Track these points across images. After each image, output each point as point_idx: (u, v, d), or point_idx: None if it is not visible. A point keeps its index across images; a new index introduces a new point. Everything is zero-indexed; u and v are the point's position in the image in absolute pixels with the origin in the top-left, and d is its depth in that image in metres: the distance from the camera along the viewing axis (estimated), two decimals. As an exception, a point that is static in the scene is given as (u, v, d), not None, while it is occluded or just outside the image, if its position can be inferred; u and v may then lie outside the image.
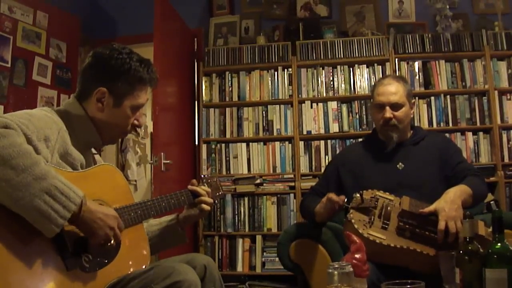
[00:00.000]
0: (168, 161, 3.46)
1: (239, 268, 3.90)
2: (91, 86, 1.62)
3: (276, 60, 4.09)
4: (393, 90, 2.33)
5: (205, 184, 1.93)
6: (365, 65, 4.02)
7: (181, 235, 1.88)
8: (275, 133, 4.05)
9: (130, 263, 1.56)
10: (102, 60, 1.63)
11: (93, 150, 1.74)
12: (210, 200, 1.85)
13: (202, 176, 1.99)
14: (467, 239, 1.56)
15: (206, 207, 1.82)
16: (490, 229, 1.63)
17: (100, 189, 1.55)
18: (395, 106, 2.32)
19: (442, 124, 3.88)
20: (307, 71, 4.07)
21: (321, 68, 4.05)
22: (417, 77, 3.95)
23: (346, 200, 2.10)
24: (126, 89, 1.63)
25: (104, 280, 1.45)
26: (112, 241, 1.47)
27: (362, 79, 4.01)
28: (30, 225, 1.29)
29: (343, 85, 4.02)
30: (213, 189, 1.94)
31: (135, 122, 1.70)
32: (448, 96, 3.90)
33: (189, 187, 1.84)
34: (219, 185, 2.01)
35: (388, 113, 2.30)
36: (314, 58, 4.04)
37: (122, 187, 1.65)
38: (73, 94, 1.67)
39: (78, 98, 1.65)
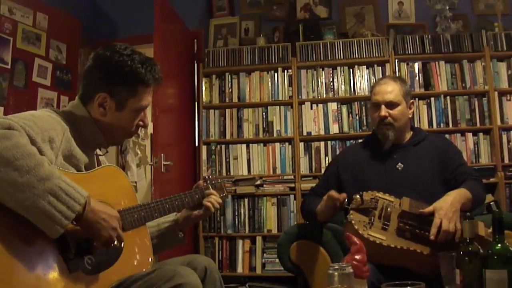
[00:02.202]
0: (168, 162, 3.46)
1: (239, 269, 3.90)
2: (92, 90, 1.61)
3: (276, 61, 4.10)
4: (388, 89, 2.35)
5: (209, 185, 1.93)
6: (365, 66, 4.02)
7: (179, 237, 1.88)
8: (275, 134, 4.05)
9: (132, 265, 1.56)
10: (103, 64, 1.61)
11: (99, 151, 1.74)
12: (220, 200, 1.87)
13: (206, 177, 1.98)
14: (467, 240, 1.56)
15: (209, 204, 1.84)
16: (490, 230, 1.63)
17: (103, 190, 1.55)
18: (391, 105, 2.34)
19: (442, 125, 3.88)
20: (307, 72, 4.07)
21: (321, 69, 4.05)
22: (417, 78, 3.95)
23: (346, 200, 2.10)
24: (128, 92, 1.61)
25: (106, 282, 1.45)
26: (116, 242, 1.47)
27: (362, 80, 4.02)
28: (32, 227, 1.29)
29: (343, 86, 4.03)
30: (217, 190, 1.94)
31: (140, 123, 1.69)
32: (448, 97, 3.90)
33: (204, 201, 1.85)
34: (223, 186, 2.02)
35: (383, 111, 2.33)
36: (314, 59, 4.05)
37: (125, 188, 1.65)
38: (78, 94, 1.66)
39: (82, 100, 1.64)
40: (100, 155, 1.75)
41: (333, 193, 2.12)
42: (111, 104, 1.61)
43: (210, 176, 2.01)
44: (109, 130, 1.65)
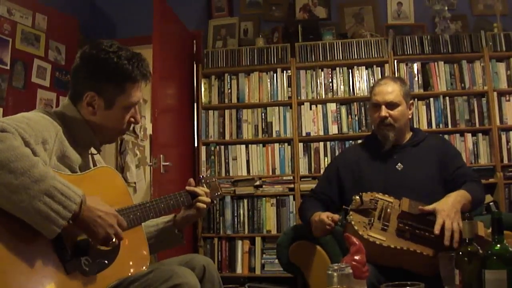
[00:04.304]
0: (167, 163, 3.46)
1: (239, 270, 3.90)
2: (80, 90, 1.60)
3: (275, 62, 4.10)
4: (389, 90, 2.35)
5: (203, 184, 1.93)
6: (364, 67, 4.02)
7: (178, 237, 1.88)
8: (274, 135, 4.05)
9: (130, 265, 1.56)
10: (89, 62, 1.60)
11: (93, 150, 1.73)
12: (208, 200, 1.84)
13: (201, 176, 1.98)
14: (467, 241, 1.56)
15: (202, 205, 1.82)
16: (489, 230, 1.63)
17: (98, 191, 1.54)
18: (391, 105, 2.33)
19: (441, 125, 3.88)
20: (306, 73, 4.07)
21: (320, 70, 4.05)
22: (416, 78, 3.95)
23: (340, 218, 2.12)
24: (115, 89, 1.60)
25: (103, 283, 1.45)
26: (114, 239, 1.46)
27: (361, 80, 4.02)
28: (29, 229, 1.29)
29: (342, 87, 4.03)
30: (212, 190, 1.94)
31: (131, 119, 1.68)
32: (447, 98, 3.90)
33: (187, 187, 1.84)
34: (218, 185, 2.01)
35: (384, 112, 2.32)
36: (313, 59, 4.05)
37: (120, 189, 1.65)
38: (68, 95, 1.66)
39: (71, 100, 1.63)
40: (94, 154, 1.74)
41: (324, 218, 2.12)
42: (100, 103, 1.60)
43: (205, 176, 2.01)
44: (100, 129, 1.64)
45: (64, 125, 1.56)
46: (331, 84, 4.04)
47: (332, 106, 4.00)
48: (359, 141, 2.99)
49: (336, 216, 2.11)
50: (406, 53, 3.95)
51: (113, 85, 1.60)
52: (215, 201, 2.08)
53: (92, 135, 1.64)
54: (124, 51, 1.62)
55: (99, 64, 1.58)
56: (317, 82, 4.05)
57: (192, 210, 1.84)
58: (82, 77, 1.61)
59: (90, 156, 1.71)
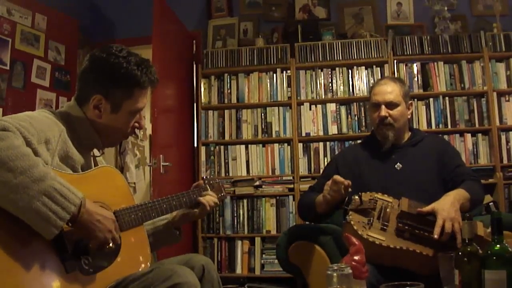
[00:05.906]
0: (167, 163, 3.46)
1: (238, 270, 3.90)
2: (88, 92, 1.61)
3: (275, 62, 4.10)
4: (388, 90, 2.36)
5: (207, 185, 1.93)
6: (364, 67, 4.02)
7: (175, 235, 1.88)
8: (274, 135, 4.05)
9: (130, 265, 1.56)
10: (98, 65, 1.61)
11: (96, 152, 1.74)
12: (208, 209, 1.87)
13: (204, 177, 1.99)
14: (466, 241, 1.56)
15: (206, 209, 1.85)
16: (489, 230, 1.63)
17: (100, 191, 1.55)
18: (391, 105, 2.34)
19: (441, 125, 3.88)
20: (305, 73, 4.08)
21: (319, 70, 4.05)
22: (416, 78, 3.95)
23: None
24: (123, 94, 1.61)
25: (103, 283, 1.45)
26: (111, 244, 1.47)
27: (361, 81, 4.02)
28: (29, 227, 1.29)
29: (341, 87, 4.03)
30: (216, 191, 1.95)
31: (136, 124, 1.69)
32: (446, 98, 3.90)
33: (199, 199, 1.85)
34: (221, 186, 2.02)
35: (383, 111, 2.33)
36: (313, 60, 4.05)
37: (122, 189, 1.65)
38: (74, 96, 1.66)
39: (77, 101, 1.64)
40: (97, 156, 1.75)
41: (338, 177, 2.08)
42: (106, 106, 1.61)
43: (208, 177, 2.01)
44: (105, 132, 1.65)
45: (68, 126, 1.56)
46: (330, 85, 4.04)
47: (331, 106, 4.00)
48: (359, 141, 2.98)
49: (349, 181, 2.05)
50: (405, 53, 3.96)
51: (121, 89, 1.61)
52: (219, 203, 2.10)
53: (96, 137, 1.65)
54: (134, 57, 1.63)
55: (109, 68, 1.59)
56: (316, 82, 4.05)
57: (194, 209, 1.85)
58: (91, 79, 1.61)
59: (92, 157, 1.71)
